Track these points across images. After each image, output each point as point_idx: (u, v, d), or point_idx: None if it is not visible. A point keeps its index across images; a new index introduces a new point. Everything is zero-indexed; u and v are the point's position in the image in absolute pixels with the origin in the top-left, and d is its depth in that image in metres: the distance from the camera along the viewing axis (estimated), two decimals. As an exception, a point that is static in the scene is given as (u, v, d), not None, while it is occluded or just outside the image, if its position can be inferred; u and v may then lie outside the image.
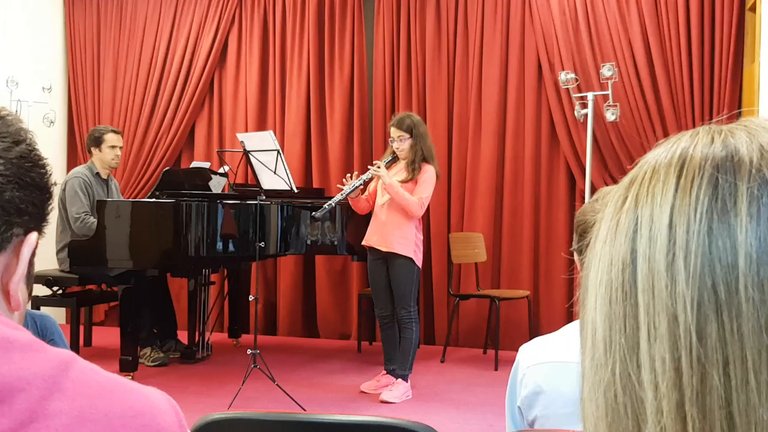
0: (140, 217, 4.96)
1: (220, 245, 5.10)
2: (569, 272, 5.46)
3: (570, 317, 5.48)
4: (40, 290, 5.57)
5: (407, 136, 4.80)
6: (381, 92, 6.64)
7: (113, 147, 5.59)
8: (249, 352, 4.69)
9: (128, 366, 4.91)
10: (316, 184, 6.74)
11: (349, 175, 5.00)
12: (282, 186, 4.84)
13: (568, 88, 5.89)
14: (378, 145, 6.56)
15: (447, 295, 6.31)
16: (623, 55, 5.88)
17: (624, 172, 0.53)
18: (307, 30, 6.81)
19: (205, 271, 5.97)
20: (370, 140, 6.72)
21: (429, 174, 4.80)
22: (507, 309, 6.07)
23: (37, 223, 0.79)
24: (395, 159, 4.88)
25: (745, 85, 5.55)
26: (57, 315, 5.67)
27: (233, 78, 7.03)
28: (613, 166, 5.92)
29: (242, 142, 4.87)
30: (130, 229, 4.91)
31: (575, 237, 1.71)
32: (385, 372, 4.99)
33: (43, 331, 2.69)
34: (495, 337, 5.79)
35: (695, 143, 0.48)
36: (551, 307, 6.18)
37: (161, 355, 5.63)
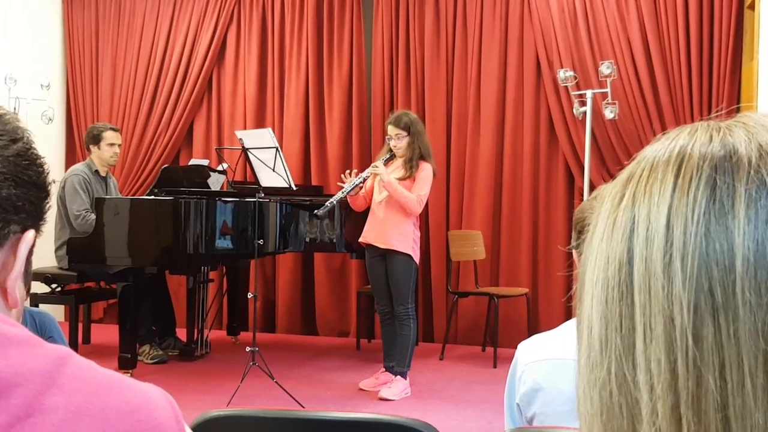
0: (139, 215, 4.95)
1: (218, 243, 5.10)
2: (568, 269, 5.46)
3: (568, 314, 5.49)
4: (39, 287, 5.57)
5: (404, 133, 4.81)
6: (380, 89, 6.64)
7: (112, 144, 5.58)
8: (248, 349, 4.69)
9: (127, 363, 4.91)
10: (314, 182, 6.74)
11: (348, 171, 5.00)
12: (281, 183, 4.84)
13: (566, 86, 5.88)
14: (377, 142, 6.55)
15: (446, 292, 6.31)
16: (622, 53, 5.88)
17: (623, 169, 0.52)
18: (306, 27, 6.81)
19: (204, 269, 5.97)
20: (368, 137, 6.72)
21: (426, 172, 4.81)
22: (506, 306, 6.07)
23: (35, 221, 0.80)
24: (392, 157, 4.89)
25: (744, 83, 5.55)
26: (56, 312, 5.66)
27: (232, 75, 7.03)
28: (611, 164, 5.92)
29: (241, 139, 4.86)
30: (128, 227, 4.91)
31: (574, 234, 1.71)
32: (384, 369, 5.00)
33: (41, 329, 2.69)
34: (494, 335, 5.79)
35: (694, 141, 0.48)
36: (550, 304, 6.18)
37: (160, 352, 5.63)
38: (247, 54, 6.98)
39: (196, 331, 5.82)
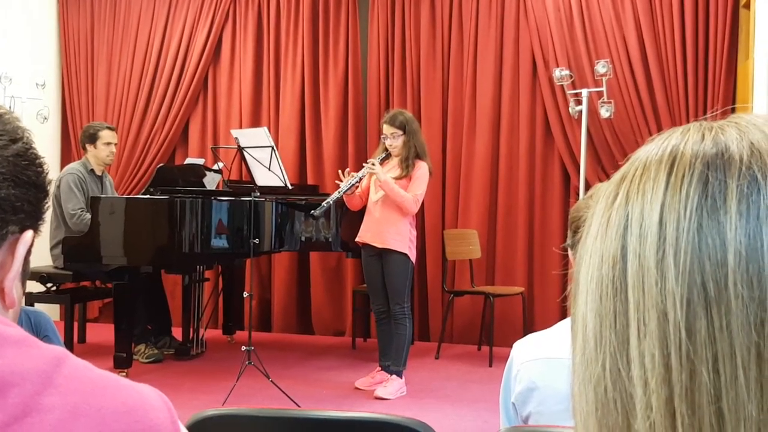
0: (134, 214, 4.95)
1: (214, 242, 5.09)
2: (563, 268, 5.46)
3: (564, 313, 5.49)
4: (34, 287, 5.56)
5: (400, 132, 4.81)
6: (375, 88, 6.64)
7: (108, 144, 5.57)
8: (243, 348, 4.69)
9: (122, 362, 4.91)
10: (310, 181, 6.73)
11: (348, 169, 5.00)
12: (276, 182, 4.83)
13: (562, 85, 5.89)
14: (372, 141, 6.55)
15: (441, 291, 6.31)
16: (618, 52, 5.89)
17: (618, 169, 0.53)
18: (302, 26, 6.80)
19: (200, 268, 5.97)
20: (364, 136, 6.72)
21: (422, 171, 4.82)
22: (501, 305, 6.08)
23: (33, 222, 0.80)
24: (388, 156, 4.89)
25: (739, 82, 5.56)
26: (51, 311, 5.65)
27: (227, 74, 7.02)
28: (607, 163, 5.93)
29: (236, 138, 4.86)
30: (124, 226, 4.90)
31: (569, 233, 1.71)
32: (380, 368, 5.00)
33: (37, 328, 2.69)
34: (489, 334, 5.79)
35: (686, 140, 0.49)
36: (545, 303, 6.19)
37: (155, 351, 5.62)
38: (243, 53, 6.97)
39: (191, 330, 5.82)
